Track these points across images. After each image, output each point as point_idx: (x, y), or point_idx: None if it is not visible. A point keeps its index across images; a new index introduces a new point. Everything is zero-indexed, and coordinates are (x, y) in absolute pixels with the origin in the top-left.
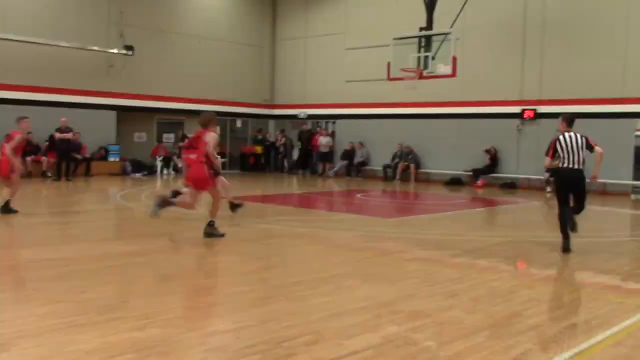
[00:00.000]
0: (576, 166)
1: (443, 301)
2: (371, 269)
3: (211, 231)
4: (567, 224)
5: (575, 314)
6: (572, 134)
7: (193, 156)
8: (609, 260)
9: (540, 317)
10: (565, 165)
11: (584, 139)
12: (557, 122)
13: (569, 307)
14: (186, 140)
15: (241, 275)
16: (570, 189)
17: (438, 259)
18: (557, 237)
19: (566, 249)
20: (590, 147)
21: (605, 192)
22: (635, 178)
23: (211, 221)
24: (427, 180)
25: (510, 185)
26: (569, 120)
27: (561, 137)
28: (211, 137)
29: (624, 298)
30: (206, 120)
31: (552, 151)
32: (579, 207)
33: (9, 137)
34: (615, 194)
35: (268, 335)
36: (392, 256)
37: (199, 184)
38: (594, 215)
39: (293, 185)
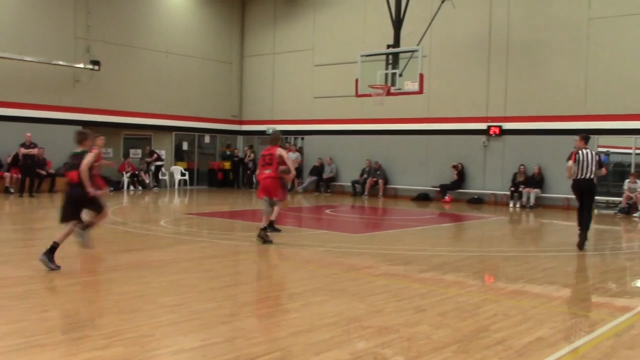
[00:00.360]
0: (587, 176)
1: (411, 316)
2: (339, 284)
3: (264, 235)
4: (582, 218)
5: (541, 328)
6: (587, 150)
7: (268, 171)
8: (573, 273)
9: (506, 332)
10: (579, 176)
11: (597, 156)
12: (575, 140)
13: (535, 321)
14: (260, 157)
15: (208, 292)
16: (583, 194)
17: (406, 275)
18: (521, 252)
19: (580, 244)
20: (600, 166)
21: (569, 207)
22: (599, 194)
23: (265, 227)
24: (395, 195)
25: (477, 201)
26: (586, 139)
27: (580, 152)
28: (282, 152)
29: (588, 311)
30: (276, 137)
31: (574, 159)
32: (588, 214)
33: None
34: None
35: (235, 353)
36: (361, 272)
37: (270, 194)
38: (559, 230)
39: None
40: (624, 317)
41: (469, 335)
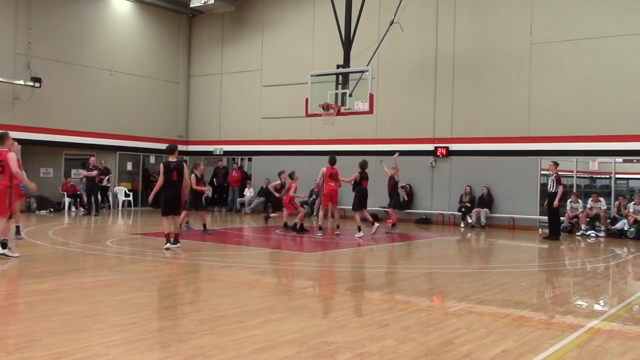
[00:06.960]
0: None
1: (375, 331)
2: (297, 302)
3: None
4: None
5: (505, 341)
6: None
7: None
8: (528, 288)
9: (472, 345)
10: None
11: None
12: None
13: (498, 334)
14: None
15: (162, 311)
16: None
17: (364, 291)
18: (475, 269)
19: None
20: None
21: (515, 227)
22: (542, 213)
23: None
24: (344, 216)
25: (425, 221)
26: None
27: None
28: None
29: (548, 324)
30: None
31: None
32: None
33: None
34: (524, 228)
35: None
36: (316, 289)
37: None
38: (508, 248)
39: (209, 221)
40: (582, 329)
41: (435, 349)
